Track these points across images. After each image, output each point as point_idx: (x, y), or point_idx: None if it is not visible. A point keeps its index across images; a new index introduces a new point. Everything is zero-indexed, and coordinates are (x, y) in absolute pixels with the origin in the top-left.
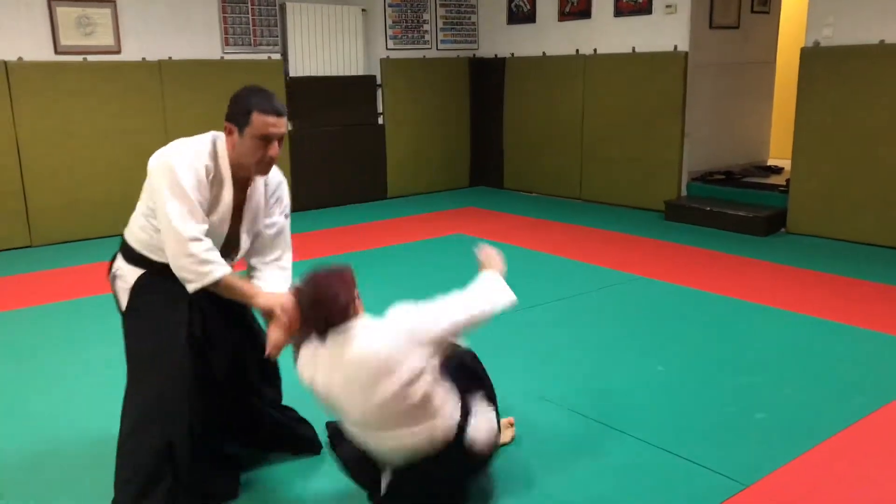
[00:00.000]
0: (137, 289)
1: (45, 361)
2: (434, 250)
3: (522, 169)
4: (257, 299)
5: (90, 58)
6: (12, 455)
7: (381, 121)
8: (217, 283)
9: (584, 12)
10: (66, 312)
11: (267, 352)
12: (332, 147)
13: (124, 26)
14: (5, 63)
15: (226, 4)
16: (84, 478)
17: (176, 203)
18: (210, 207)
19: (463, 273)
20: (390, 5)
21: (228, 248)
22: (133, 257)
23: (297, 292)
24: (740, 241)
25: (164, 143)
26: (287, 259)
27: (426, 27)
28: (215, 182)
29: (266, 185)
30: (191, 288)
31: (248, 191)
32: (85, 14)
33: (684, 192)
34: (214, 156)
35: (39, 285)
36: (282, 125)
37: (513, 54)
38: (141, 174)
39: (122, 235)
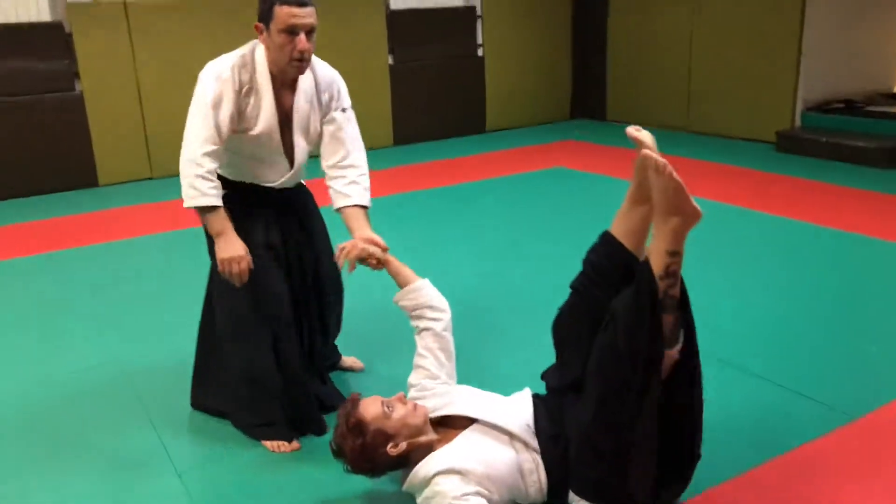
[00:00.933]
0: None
1: (148, 286)
2: (533, 183)
3: (626, 100)
4: (219, 241)
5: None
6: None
7: (480, 53)
8: (199, 210)
9: None
10: (183, 240)
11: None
12: (432, 80)
13: None
14: (124, 3)
15: None
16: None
17: (194, 119)
18: (249, 119)
19: (562, 207)
20: None
21: (289, 157)
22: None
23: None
24: (859, 174)
25: None
26: (354, 159)
27: None
28: (252, 93)
29: (317, 84)
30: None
31: (296, 94)
32: None
33: (798, 123)
34: (251, 66)
35: (160, 214)
36: (307, 15)
37: None
38: None
39: None
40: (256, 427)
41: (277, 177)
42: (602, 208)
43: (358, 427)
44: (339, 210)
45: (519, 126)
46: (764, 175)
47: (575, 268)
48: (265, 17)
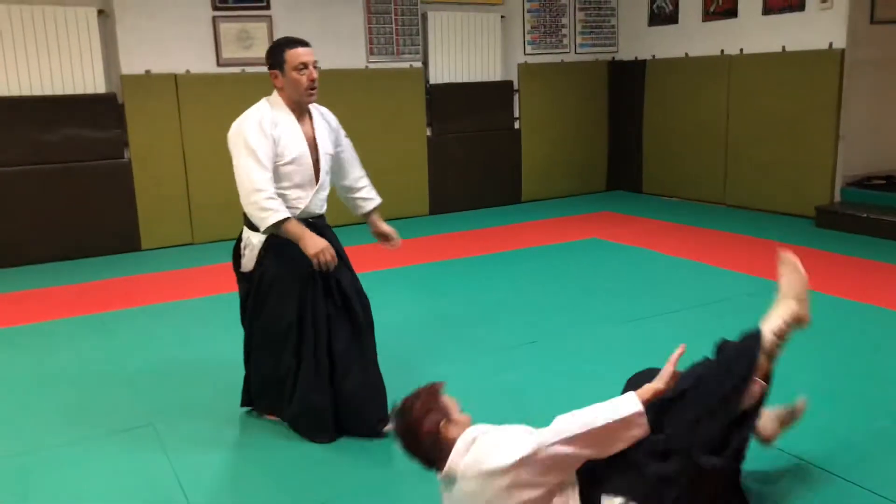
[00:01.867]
0: (268, 249)
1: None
2: (569, 253)
3: (663, 173)
4: (305, 241)
5: (248, 69)
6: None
7: (517, 125)
8: (276, 226)
9: (730, 11)
10: (222, 304)
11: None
12: (469, 152)
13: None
14: (175, 76)
15: (371, 15)
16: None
17: (245, 159)
18: (283, 146)
19: (598, 277)
20: (529, 11)
21: (317, 174)
22: (252, 225)
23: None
24: None
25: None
26: (364, 174)
27: (564, 31)
28: (278, 124)
29: (322, 114)
30: (261, 229)
31: (313, 123)
32: (244, 28)
33: (838, 198)
34: (269, 108)
35: (199, 279)
36: (311, 54)
37: (654, 56)
38: None
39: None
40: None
41: (307, 197)
42: (636, 280)
43: (432, 399)
44: (369, 212)
45: (554, 197)
46: (803, 250)
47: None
48: (278, 63)
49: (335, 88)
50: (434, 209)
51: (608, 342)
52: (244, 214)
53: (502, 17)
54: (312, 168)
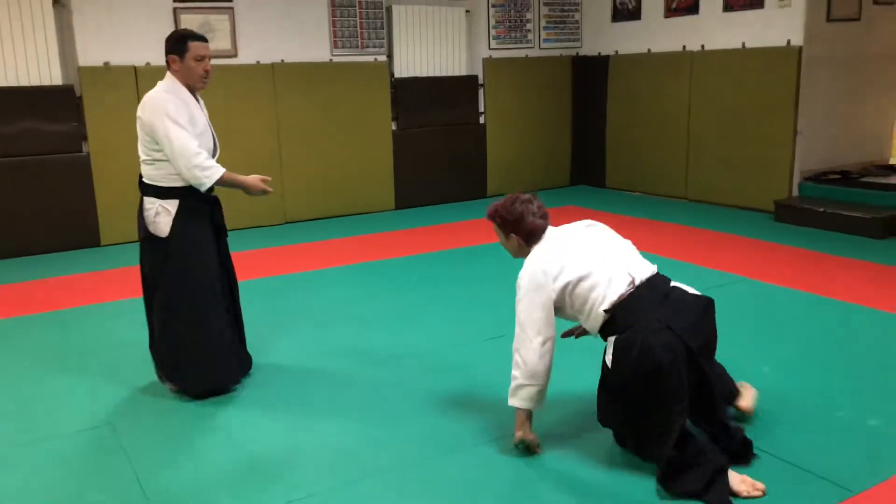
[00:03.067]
0: (180, 214)
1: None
2: None
3: (625, 167)
4: (246, 180)
5: (210, 61)
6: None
7: (482, 120)
8: (221, 179)
9: (691, 8)
10: None
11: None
12: (434, 146)
13: (241, 31)
14: (135, 68)
15: (335, 8)
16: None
17: (176, 129)
18: (193, 118)
19: None
20: (494, 6)
21: (215, 145)
22: (163, 192)
23: None
24: (855, 244)
25: (276, 143)
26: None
27: (529, 27)
28: (187, 101)
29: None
30: (203, 188)
31: (200, 101)
32: (207, 20)
33: (796, 193)
34: (177, 89)
35: None
36: (208, 49)
37: (617, 52)
38: (253, 173)
39: (141, 186)
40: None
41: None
42: None
43: (529, 200)
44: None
45: (520, 191)
46: (761, 244)
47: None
48: (180, 50)
49: (299, 81)
50: (399, 203)
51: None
52: (147, 185)
53: (467, 11)
54: (212, 139)
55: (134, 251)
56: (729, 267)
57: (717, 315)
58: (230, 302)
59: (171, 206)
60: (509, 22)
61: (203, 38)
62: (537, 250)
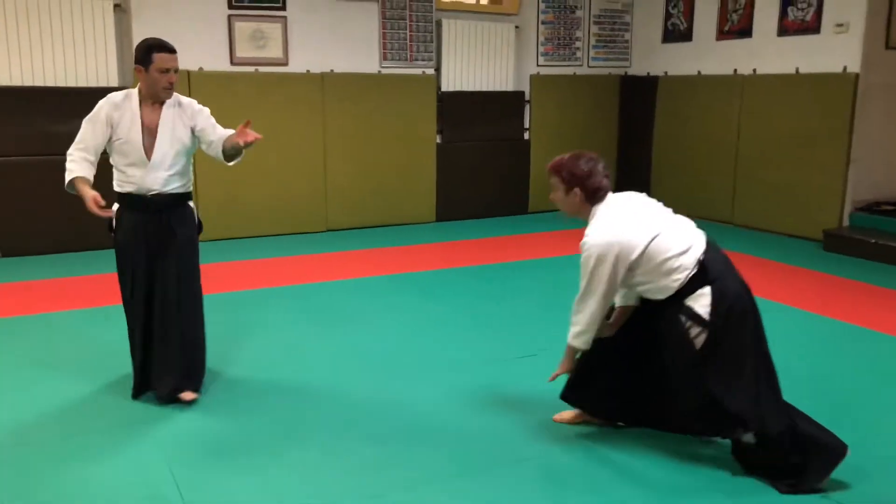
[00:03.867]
0: (117, 214)
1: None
2: (574, 267)
3: (671, 189)
4: (85, 195)
5: (261, 69)
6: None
7: (526, 136)
8: (72, 182)
9: (744, 31)
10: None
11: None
12: (478, 160)
13: (293, 40)
14: (188, 72)
15: (386, 21)
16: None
17: (82, 126)
18: (117, 127)
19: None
20: (544, 22)
21: (148, 157)
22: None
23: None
24: None
25: (321, 151)
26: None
27: (578, 44)
28: (123, 110)
29: (181, 107)
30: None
31: (161, 113)
32: (259, 28)
33: (846, 222)
34: (126, 96)
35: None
36: (175, 60)
37: (666, 73)
38: (298, 180)
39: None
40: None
41: (141, 174)
42: None
43: (596, 159)
44: (227, 140)
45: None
46: (809, 273)
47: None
48: (144, 61)
49: (347, 92)
50: (440, 216)
51: None
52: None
53: (517, 27)
54: (143, 149)
55: (226, 248)
56: (775, 295)
57: None
58: (146, 317)
59: (116, 206)
60: (558, 39)
61: (170, 50)
62: (605, 214)
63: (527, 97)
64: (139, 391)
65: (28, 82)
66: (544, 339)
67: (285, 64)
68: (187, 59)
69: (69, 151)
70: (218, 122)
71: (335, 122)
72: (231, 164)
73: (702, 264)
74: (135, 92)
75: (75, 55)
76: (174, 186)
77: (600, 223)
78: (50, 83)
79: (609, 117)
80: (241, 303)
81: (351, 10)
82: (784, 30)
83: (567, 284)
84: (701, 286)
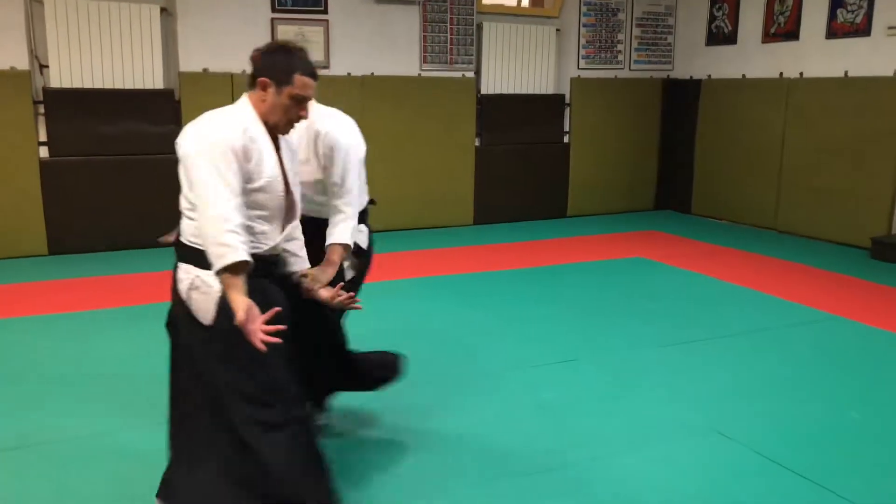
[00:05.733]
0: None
1: None
2: (613, 272)
3: (713, 194)
4: (233, 296)
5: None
6: None
7: (566, 139)
8: (228, 267)
9: (791, 33)
10: None
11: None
12: (517, 163)
13: (334, 43)
14: (231, 75)
15: (427, 24)
16: None
17: (209, 179)
18: (255, 170)
19: (641, 297)
20: (585, 25)
21: (290, 202)
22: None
23: None
24: None
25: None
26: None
27: (620, 47)
28: (255, 144)
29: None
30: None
31: (279, 145)
32: (301, 31)
33: (895, 230)
34: (250, 120)
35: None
36: (314, 87)
37: (710, 76)
38: None
39: (178, 247)
40: None
41: (278, 234)
42: (679, 303)
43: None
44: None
45: (601, 213)
46: (855, 281)
47: (657, 355)
48: (280, 78)
49: (387, 95)
50: (478, 219)
51: (646, 365)
52: (182, 248)
53: (557, 30)
54: (283, 197)
55: None
56: (820, 304)
57: (804, 354)
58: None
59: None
60: (600, 42)
61: (316, 75)
62: None
63: (567, 100)
64: None
65: (77, 84)
66: (584, 343)
67: (327, 67)
68: (231, 62)
69: (216, 213)
70: None
71: (375, 125)
72: None
73: None
74: (252, 112)
75: (122, 57)
76: None
77: None
78: (98, 85)
79: (650, 121)
80: None
81: (392, 13)
82: (833, 32)
83: (607, 288)
84: None
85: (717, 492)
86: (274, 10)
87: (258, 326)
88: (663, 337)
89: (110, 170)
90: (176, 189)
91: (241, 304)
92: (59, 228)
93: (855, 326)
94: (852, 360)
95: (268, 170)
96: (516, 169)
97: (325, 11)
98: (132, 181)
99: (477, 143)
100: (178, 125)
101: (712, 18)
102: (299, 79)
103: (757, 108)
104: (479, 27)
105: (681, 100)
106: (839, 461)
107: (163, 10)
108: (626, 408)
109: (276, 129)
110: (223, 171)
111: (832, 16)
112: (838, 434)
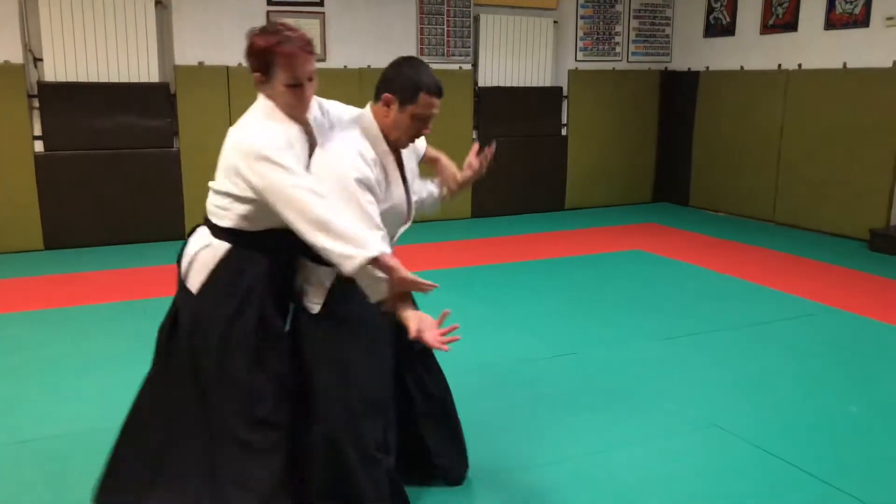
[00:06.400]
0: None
1: None
2: (611, 264)
3: (711, 187)
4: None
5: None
6: None
7: (564, 132)
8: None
9: (789, 24)
10: None
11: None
12: (514, 156)
13: (331, 36)
14: (227, 68)
15: (424, 16)
16: None
17: (352, 218)
18: (381, 190)
19: (639, 290)
20: (582, 17)
21: (408, 215)
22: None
23: None
24: None
25: None
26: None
27: (617, 39)
28: (379, 164)
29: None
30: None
31: (401, 155)
32: (297, 24)
33: (894, 222)
34: (374, 137)
35: None
36: (438, 105)
37: (707, 68)
38: None
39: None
40: None
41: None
42: (677, 295)
43: None
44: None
45: (598, 206)
46: (854, 273)
47: (657, 349)
48: (405, 95)
49: None
50: (476, 212)
51: (645, 358)
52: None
53: (555, 22)
54: (406, 213)
55: None
56: (819, 296)
57: (803, 347)
58: None
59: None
60: (597, 34)
61: (441, 93)
62: None
63: (564, 93)
64: None
65: (72, 78)
66: (583, 337)
67: (323, 60)
68: (226, 55)
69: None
70: None
71: None
72: None
73: None
74: (374, 126)
75: (117, 50)
76: None
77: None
78: (93, 79)
79: (648, 113)
80: None
81: (389, 6)
82: (831, 23)
83: (604, 281)
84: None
85: (715, 485)
86: (270, 2)
87: (436, 332)
88: (661, 330)
89: (106, 164)
90: (170, 182)
91: (412, 317)
92: (54, 223)
93: (853, 318)
94: (851, 352)
95: (395, 196)
96: (514, 161)
97: (322, 4)
98: (128, 175)
99: (474, 136)
100: (173, 119)
101: (710, 10)
102: (424, 98)
103: (755, 99)
104: (477, 19)
105: (679, 92)
106: (838, 454)
107: (158, 2)
108: (624, 401)
109: (398, 143)
110: (361, 202)
111: (831, 7)
112: (837, 427)
